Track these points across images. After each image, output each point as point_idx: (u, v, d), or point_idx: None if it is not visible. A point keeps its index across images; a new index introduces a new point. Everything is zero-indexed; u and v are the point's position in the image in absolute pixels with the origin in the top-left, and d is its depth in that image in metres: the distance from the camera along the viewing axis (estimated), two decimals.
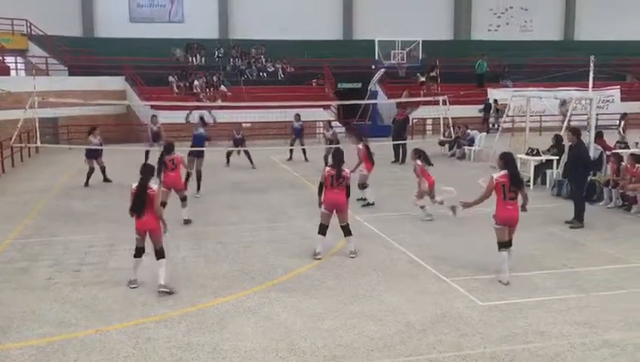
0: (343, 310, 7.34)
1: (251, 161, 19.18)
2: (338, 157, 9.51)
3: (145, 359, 6.10)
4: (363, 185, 13.51)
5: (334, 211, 9.43)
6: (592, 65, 15.33)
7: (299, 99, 27.14)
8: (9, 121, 21.18)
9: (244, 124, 22.15)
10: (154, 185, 8.26)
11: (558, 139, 16.25)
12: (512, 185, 8.13)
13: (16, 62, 29.93)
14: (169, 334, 6.67)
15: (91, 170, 16.61)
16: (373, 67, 30.63)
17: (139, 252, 8.21)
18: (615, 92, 31.99)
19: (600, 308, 7.32)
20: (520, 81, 29.71)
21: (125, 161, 21.11)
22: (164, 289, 7.92)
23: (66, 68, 29.50)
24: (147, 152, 18.29)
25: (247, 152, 19.44)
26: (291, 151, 20.99)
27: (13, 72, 28.74)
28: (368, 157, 13.62)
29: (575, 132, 12.06)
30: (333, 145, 18.33)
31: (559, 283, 8.24)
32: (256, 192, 15.10)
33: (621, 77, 33.83)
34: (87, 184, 16.42)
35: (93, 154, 16.78)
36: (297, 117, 21.25)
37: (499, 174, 8.22)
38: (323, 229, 9.46)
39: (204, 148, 15.64)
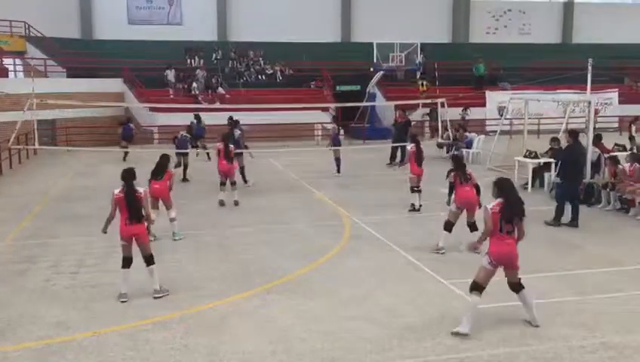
0: (341, 312, 7.34)
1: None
2: (458, 161, 10.33)
3: (143, 361, 6.09)
4: (411, 189, 13.02)
5: (465, 209, 9.88)
6: (590, 67, 15.35)
7: (297, 101, 27.15)
8: (7, 123, 21.13)
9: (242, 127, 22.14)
10: (140, 188, 8.05)
11: (556, 142, 16.26)
12: (508, 215, 6.84)
13: (14, 64, 29.87)
14: (167, 336, 6.67)
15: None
16: (372, 70, 30.65)
17: (127, 262, 7.90)
18: (613, 95, 32.06)
19: (598, 311, 7.33)
20: (518, 84, 29.76)
21: (124, 164, 21.14)
22: (160, 294, 7.90)
23: (65, 70, 29.47)
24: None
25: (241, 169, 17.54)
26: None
27: (11, 74, 28.69)
28: (416, 159, 13.01)
29: (572, 133, 12.21)
30: (340, 147, 18.39)
31: (557, 286, 8.25)
32: (254, 195, 15.09)
33: (619, 80, 33.91)
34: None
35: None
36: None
37: (493, 203, 6.96)
38: (449, 226, 9.86)
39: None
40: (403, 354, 6.20)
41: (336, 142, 18.62)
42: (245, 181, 16.35)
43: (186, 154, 17.47)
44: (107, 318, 7.22)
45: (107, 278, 8.71)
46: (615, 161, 13.44)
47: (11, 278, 8.74)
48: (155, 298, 7.85)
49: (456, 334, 6.57)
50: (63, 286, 8.37)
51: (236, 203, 13.71)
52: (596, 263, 9.29)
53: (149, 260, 7.93)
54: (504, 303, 7.55)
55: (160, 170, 11.07)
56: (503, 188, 7.06)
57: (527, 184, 15.32)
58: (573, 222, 11.74)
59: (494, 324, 6.92)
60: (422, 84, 31.02)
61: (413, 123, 28.57)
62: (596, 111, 24.26)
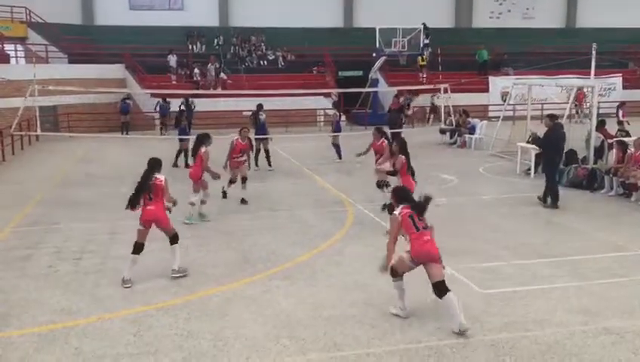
0: (343, 298, 7.36)
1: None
2: (404, 145, 10.08)
3: (146, 346, 6.13)
4: (378, 184, 11.94)
5: None
6: (594, 52, 15.27)
7: (299, 87, 27.08)
8: (9, 110, 21.17)
9: (244, 113, 22.13)
10: (161, 176, 8.19)
11: (558, 127, 16.20)
12: (418, 211, 6.69)
13: (15, 50, 29.82)
14: (170, 322, 6.70)
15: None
16: (374, 55, 30.52)
17: (138, 249, 7.93)
18: (617, 80, 31.89)
19: (600, 296, 7.34)
20: (522, 69, 29.62)
21: (126, 150, 21.19)
22: (177, 274, 8.05)
23: (66, 56, 29.41)
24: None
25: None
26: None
27: (12, 60, 28.64)
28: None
29: (551, 117, 12.46)
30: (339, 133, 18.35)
31: (559, 271, 8.25)
32: (256, 181, 15.08)
33: (623, 64, 33.71)
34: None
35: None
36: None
37: (400, 207, 6.80)
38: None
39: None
40: (405, 339, 6.23)
41: (337, 128, 18.59)
42: (270, 164, 16.83)
43: (186, 140, 17.13)
44: (111, 304, 7.26)
45: (110, 264, 8.74)
46: (624, 146, 13.38)
47: (15, 264, 8.78)
48: (173, 277, 8.00)
49: (395, 315, 6.75)
50: (66, 272, 8.40)
51: (244, 201, 12.52)
52: (598, 248, 9.29)
53: (172, 239, 8.16)
54: (506, 289, 7.58)
55: (192, 153, 11.53)
56: (402, 196, 7.02)
57: (529, 169, 15.29)
58: (553, 203, 11.95)
59: (496, 310, 6.94)
60: (422, 59, 30.95)
61: (415, 109, 28.63)
62: (583, 96, 24.34)
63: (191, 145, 16.68)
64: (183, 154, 17.02)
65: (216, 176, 11.32)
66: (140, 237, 8.00)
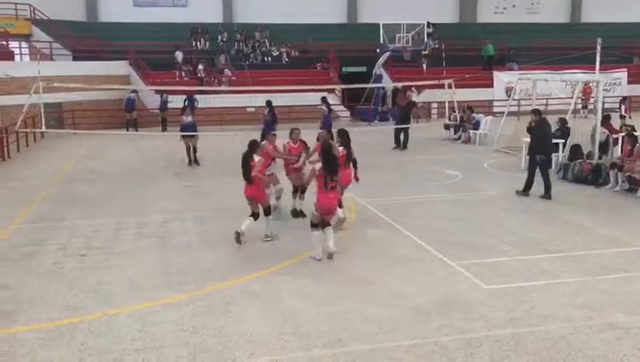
0: (348, 294, 7.37)
1: None
2: (346, 135, 10.21)
3: (152, 342, 6.15)
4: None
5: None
6: (598, 47, 15.20)
7: (303, 83, 27.05)
8: (14, 107, 21.22)
9: (248, 109, 22.15)
10: (256, 156, 9.29)
11: (563, 123, 16.18)
12: (329, 175, 8.48)
13: (20, 47, 29.89)
14: (175, 318, 6.72)
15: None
16: (378, 51, 30.45)
17: (254, 216, 9.39)
18: (622, 75, 31.74)
19: (604, 292, 7.33)
20: (526, 64, 29.50)
21: (131, 147, 21.23)
22: (268, 238, 9.41)
23: (70, 53, 29.45)
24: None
25: None
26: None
27: (17, 57, 28.69)
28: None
29: (536, 112, 12.77)
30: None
31: (564, 267, 8.24)
32: None
33: (628, 59, 33.53)
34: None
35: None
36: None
37: (320, 166, 8.65)
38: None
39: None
40: (409, 336, 6.23)
41: (326, 123, 18.45)
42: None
43: (191, 136, 16.96)
44: (116, 300, 7.28)
45: (115, 260, 8.77)
46: (634, 139, 13.32)
47: (20, 261, 8.81)
48: (264, 241, 9.37)
49: (312, 258, 8.53)
50: (71, 268, 8.43)
51: (302, 213, 10.87)
52: (603, 244, 9.27)
53: (265, 212, 9.48)
54: (511, 284, 7.58)
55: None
56: (323, 151, 8.75)
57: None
58: (547, 195, 12.20)
59: (501, 305, 6.94)
60: (425, 49, 30.91)
61: (419, 104, 28.54)
62: (589, 91, 24.30)
63: (199, 144, 16.80)
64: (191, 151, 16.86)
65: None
66: (251, 208, 9.45)
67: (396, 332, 6.32)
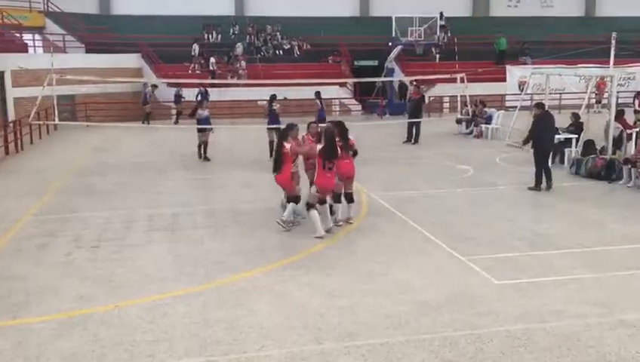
0: (358, 288, 7.37)
1: None
2: (343, 127, 10.15)
3: (162, 334, 6.18)
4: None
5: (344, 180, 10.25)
6: (613, 42, 15.04)
7: (315, 76, 27.00)
8: (27, 99, 21.37)
9: (259, 102, 22.14)
10: (287, 143, 9.53)
11: (576, 118, 16.05)
12: (327, 158, 9.15)
13: (33, 40, 30.04)
14: (186, 310, 6.75)
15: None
16: (390, 44, 30.33)
17: (291, 200, 9.69)
18: (636, 69, 31.34)
19: (617, 288, 7.28)
20: (539, 58, 29.27)
21: (143, 139, 21.33)
22: (283, 224, 9.55)
23: (83, 45, 29.58)
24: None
25: None
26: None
27: (31, 50, 28.86)
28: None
29: (540, 105, 13.02)
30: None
31: (576, 263, 8.19)
32: (269, 170, 15.11)
33: None
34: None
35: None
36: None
37: (320, 146, 9.37)
38: (338, 198, 10.17)
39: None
40: (419, 330, 6.22)
41: (321, 117, 18.35)
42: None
43: (205, 130, 16.72)
44: (127, 292, 7.33)
45: (128, 252, 8.83)
46: None
47: (33, 252, 8.89)
48: (277, 223, 9.63)
49: (318, 238, 9.07)
50: (84, 260, 8.49)
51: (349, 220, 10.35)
52: (616, 240, 9.19)
53: (289, 199, 9.70)
54: (522, 280, 7.54)
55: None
56: (325, 136, 9.36)
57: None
58: (549, 183, 12.40)
59: (512, 301, 6.91)
60: (437, 38, 30.75)
61: (432, 98, 28.43)
62: (603, 85, 24.06)
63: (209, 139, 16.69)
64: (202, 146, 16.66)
65: None
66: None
67: (406, 326, 6.32)
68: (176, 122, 25.14)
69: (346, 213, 10.15)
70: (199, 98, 22.15)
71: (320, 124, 17.42)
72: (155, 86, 26.13)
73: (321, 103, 19.47)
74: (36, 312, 6.76)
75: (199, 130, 16.62)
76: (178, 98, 25.97)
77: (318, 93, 19.41)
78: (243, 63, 29.52)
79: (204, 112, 16.68)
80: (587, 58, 24.34)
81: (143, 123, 24.68)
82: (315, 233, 9.21)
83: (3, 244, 9.27)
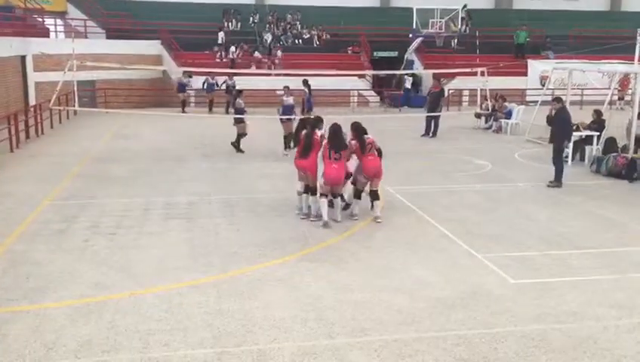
0: (372, 283, 7.35)
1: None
2: (359, 129, 10.11)
3: (177, 323, 6.22)
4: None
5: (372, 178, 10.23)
6: (638, 37, 14.77)
7: (334, 67, 26.88)
8: (48, 83, 21.54)
9: (277, 92, 22.09)
10: (319, 131, 9.94)
11: (598, 114, 15.81)
12: (332, 149, 9.48)
13: (55, 25, 30.22)
14: (201, 300, 6.79)
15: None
16: (410, 36, 30.08)
17: (308, 190, 9.84)
18: None
19: (636, 290, 7.18)
20: (563, 53, 28.85)
21: (161, 126, 21.41)
22: (301, 213, 9.98)
23: (104, 31, 29.72)
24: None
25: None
26: None
27: (52, 34, 29.05)
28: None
29: (558, 100, 13.06)
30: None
31: (594, 263, 8.09)
32: (285, 161, 15.09)
33: None
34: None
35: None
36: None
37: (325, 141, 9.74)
38: (359, 194, 10.21)
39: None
40: (433, 327, 6.20)
41: (308, 106, 18.14)
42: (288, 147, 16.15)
43: (241, 120, 16.00)
44: (144, 280, 7.39)
45: (144, 240, 8.89)
46: None
47: (51, 237, 8.99)
48: (297, 213, 10.09)
49: (324, 226, 9.42)
50: (101, 247, 8.57)
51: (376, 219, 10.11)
52: (635, 240, 9.07)
53: (312, 191, 9.81)
54: (538, 279, 7.47)
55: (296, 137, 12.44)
56: (331, 127, 9.64)
57: (567, 156, 14.94)
58: (557, 182, 12.45)
59: (528, 301, 6.85)
60: (454, 24, 30.44)
61: (451, 91, 28.19)
62: (627, 83, 23.63)
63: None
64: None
65: None
66: (299, 178, 10.04)
67: (420, 323, 6.29)
68: (210, 110, 25.45)
69: (373, 211, 10.10)
70: (228, 87, 22.22)
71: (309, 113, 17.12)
72: (190, 76, 26.31)
73: (309, 92, 19.30)
74: (54, 298, 6.84)
75: (238, 121, 16.08)
76: (211, 87, 26.14)
77: (305, 81, 19.22)
78: (279, 53, 29.47)
79: (242, 102, 16.23)
80: (611, 54, 23.93)
81: (183, 112, 24.90)
82: (322, 218, 9.59)
83: (22, 229, 9.38)
